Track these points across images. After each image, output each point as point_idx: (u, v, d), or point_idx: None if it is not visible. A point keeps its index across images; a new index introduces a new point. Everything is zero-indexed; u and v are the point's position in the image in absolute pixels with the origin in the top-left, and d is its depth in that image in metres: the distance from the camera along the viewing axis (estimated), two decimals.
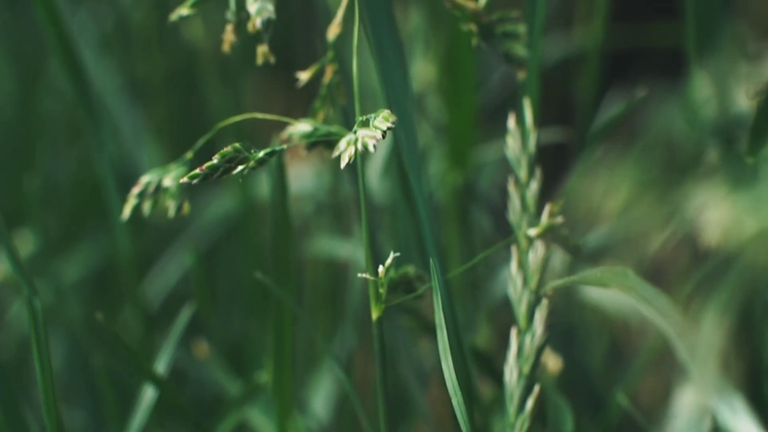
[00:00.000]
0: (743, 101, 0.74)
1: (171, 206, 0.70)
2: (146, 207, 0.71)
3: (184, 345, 0.89)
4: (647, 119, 1.05)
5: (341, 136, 0.66)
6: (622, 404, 0.79)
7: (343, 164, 0.63)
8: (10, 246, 0.71)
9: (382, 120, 0.64)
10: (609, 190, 0.64)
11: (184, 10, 0.71)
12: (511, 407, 0.69)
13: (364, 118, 0.64)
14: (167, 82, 1.14)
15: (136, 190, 0.71)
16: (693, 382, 0.57)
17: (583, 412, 0.87)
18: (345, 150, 0.63)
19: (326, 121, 0.72)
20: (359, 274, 0.67)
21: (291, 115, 1.34)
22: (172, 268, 1.06)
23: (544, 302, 0.69)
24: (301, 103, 0.72)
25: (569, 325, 0.88)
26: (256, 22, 0.68)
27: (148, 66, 1.14)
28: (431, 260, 0.67)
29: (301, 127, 0.69)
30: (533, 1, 0.78)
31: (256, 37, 0.69)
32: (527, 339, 0.70)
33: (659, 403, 0.83)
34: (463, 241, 0.94)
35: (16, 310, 1.04)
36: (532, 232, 0.70)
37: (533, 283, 0.70)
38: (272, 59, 0.70)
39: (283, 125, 0.70)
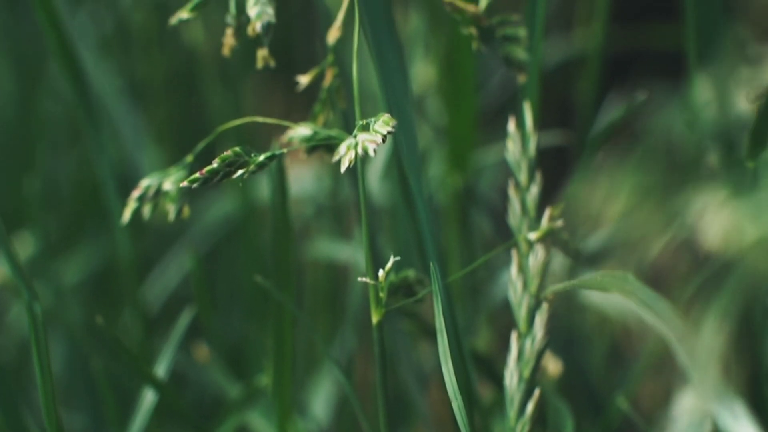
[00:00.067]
0: (743, 105, 0.74)
1: (171, 210, 0.70)
2: (146, 211, 0.71)
3: (184, 348, 0.89)
4: (648, 121, 1.05)
5: (341, 140, 0.66)
6: (623, 408, 0.79)
7: (343, 169, 0.63)
8: (10, 250, 0.71)
9: (383, 124, 0.64)
10: (609, 196, 0.64)
11: (184, 14, 0.71)
12: (512, 411, 0.69)
13: (365, 122, 0.64)
14: (167, 84, 1.14)
15: (136, 193, 0.71)
16: (693, 387, 0.57)
17: (583, 415, 0.87)
18: (345, 154, 0.63)
19: (326, 125, 0.72)
20: (360, 278, 0.67)
21: (291, 116, 1.34)
22: (172, 271, 1.06)
23: (545, 306, 0.69)
24: (300, 105, 0.72)
25: (569, 328, 0.88)
26: (256, 26, 0.68)
27: (148, 68, 1.14)
28: (431, 264, 0.67)
29: (301, 131, 0.69)
30: (533, 4, 0.78)
31: (256, 41, 0.69)
32: (527, 343, 0.70)
33: (659, 407, 0.83)
34: (463, 244, 0.94)
35: (16, 312, 1.04)
36: (533, 236, 0.70)
37: (533, 287, 0.70)
38: (272, 63, 0.70)
39: (283, 127, 0.70)
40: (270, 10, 0.68)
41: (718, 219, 0.51)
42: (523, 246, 0.70)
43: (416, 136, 0.70)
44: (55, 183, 1.13)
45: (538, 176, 0.71)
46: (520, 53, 0.72)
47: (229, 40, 0.70)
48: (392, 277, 0.69)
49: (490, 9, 0.71)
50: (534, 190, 0.71)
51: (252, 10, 0.68)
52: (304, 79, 0.71)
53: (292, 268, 0.76)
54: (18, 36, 1.15)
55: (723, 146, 0.74)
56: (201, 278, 0.92)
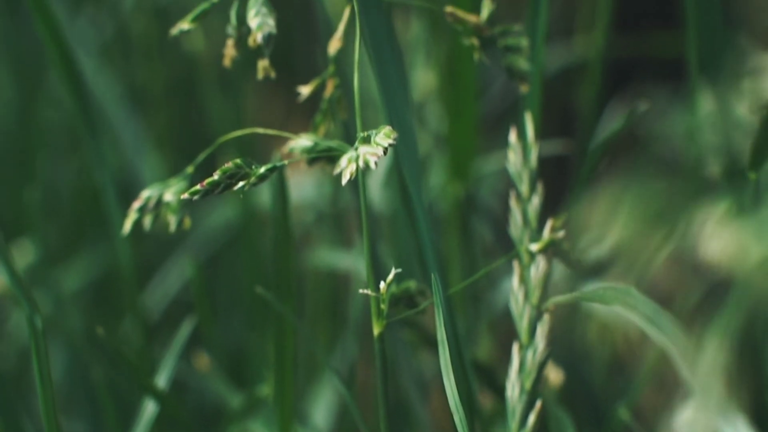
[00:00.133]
0: (746, 115, 0.74)
1: (172, 221, 0.70)
2: (147, 222, 0.71)
3: (184, 356, 0.89)
4: (649, 128, 1.05)
5: (342, 152, 0.66)
6: (624, 419, 0.79)
7: (344, 181, 0.63)
8: (10, 260, 0.71)
9: (384, 136, 0.63)
10: (610, 209, 0.63)
11: (185, 25, 0.70)
12: (513, 423, 0.69)
13: (366, 134, 0.64)
14: (167, 90, 1.14)
15: (136, 204, 0.71)
16: (695, 400, 0.57)
17: (585, 426, 0.87)
18: (346, 167, 0.63)
19: (327, 135, 0.71)
20: (361, 290, 0.67)
21: (291, 120, 1.34)
22: (173, 278, 1.06)
23: (546, 317, 0.69)
24: (301, 109, 0.72)
25: (571, 337, 0.88)
26: (257, 37, 0.68)
27: (148, 74, 1.14)
28: (432, 275, 0.67)
29: (302, 141, 0.69)
30: (535, 14, 0.77)
31: (257, 51, 0.69)
32: (529, 354, 0.69)
33: (661, 418, 0.83)
34: (463, 252, 0.94)
35: (16, 320, 1.04)
36: (534, 247, 0.70)
37: (535, 298, 0.70)
38: (273, 74, 0.70)
39: (284, 130, 0.70)
40: (271, 21, 0.68)
41: (721, 237, 0.51)
42: (525, 257, 0.70)
43: (416, 145, 0.70)
44: (55, 190, 1.13)
45: (539, 187, 0.70)
46: (522, 63, 0.71)
47: (230, 51, 0.70)
48: (393, 288, 0.69)
49: (492, 19, 0.71)
50: (535, 201, 0.70)
51: (253, 21, 0.68)
52: (305, 90, 0.71)
53: (292, 278, 0.75)
54: (18, 43, 1.14)
55: (725, 156, 0.74)
56: (201, 286, 0.92)
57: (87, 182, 1.11)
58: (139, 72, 1.14)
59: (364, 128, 0.65)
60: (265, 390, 0.83)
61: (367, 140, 0.64)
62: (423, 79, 1.00)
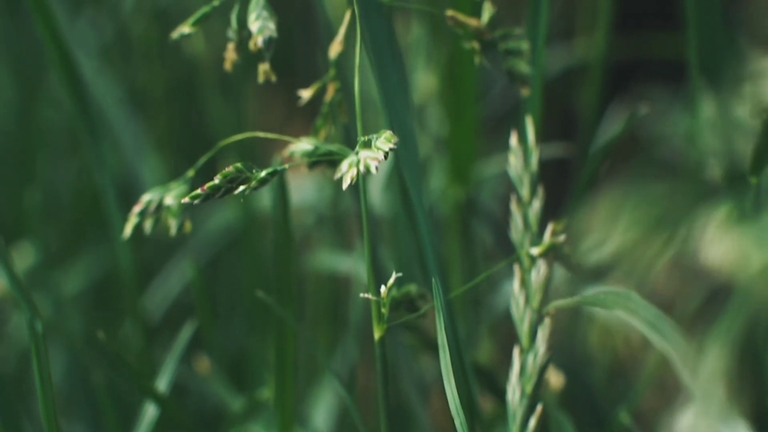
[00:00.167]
0: (746, 119, 0.74)
1: (172, 225, 0.70)
2: (147, 225, 0.71)
3: (184, 359, 0.89)
4: (650, 129, 1.04)
5: (342, 156, 0.66)
6: (625, 422, 0.79)
7: (345, 186, 0.63)
8: (10, 265, 0.71)
9: (384, 141, 0.63)
10: (610, 214, 0.63)
11: (185, 29, 0.70)
12: (514, 427, 0.69)
13: (366, 138, 0.64)
14: (168, 92, 1.14)
15: (137, 208, 0.71)
16: (696, 406, 0.57)
17: (585, 429, 0.87)
18: (347, 172, 0.63)
19: (328, 138, 0.71)
20: (362, 294, 0.67)
21: (291, 122, 1.34)
22: (173, 280, 1.06)
23: (547, 321, 0.69)
24: (301, 111, 0.72)
25: (571, 340, 0.88)
26: (258, 41, 0.68)
27: (148, 76, 1.13)
28: (433, 280, 0.67)
29: (303, 145, 0.69)
30: (535, 17, 0.77)
31: (258, 54, 0.69)
32: (530, 358, 0.69)
33: (662, 421, 0.83)
34: (464, 254, 0.94)
35: (16, 322, 1.04)
36: (535, 251, 0.70)
37: (535, 302, 0.70)
38: (273, 77, 0.70)
39: (285, 132, 0.70)
40: (271, 25, 0.68)
41: (722, 243, 0.51)
42: (526, 261, 0.70)
43: (417, 149, 0.70)
44: (55, 192, 1.13)
45: (540, 191, 0.70)
46: (523, 67, 0.71)
47: (230, 54, 0.70)
48: (394, 292, 0.69)
49: (492, 22, 0.71)
50: (536, 205, 0.70)
51: (253, 25, 0.68)
52: (305, 94, 0.71)
53: (293, 282, 0.75)
54: (18, 43, 1.14)
55: (726, 160, 0.74)
56: (202, 289, 0.92)
57: (87, 184, 1.11)
58: (139, 74, 1.14)
59: (365, 131, 0.65)
60: (266, 393, 0.83)
61: (367, 144, 0.64)
62: (423, 81, 1.00)
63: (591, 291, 0.67)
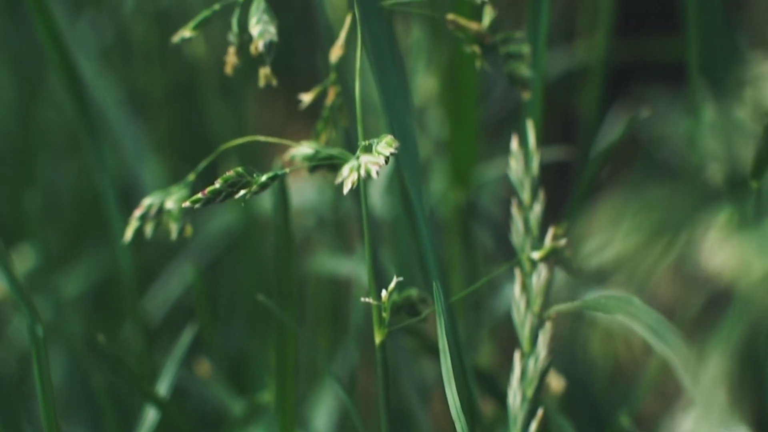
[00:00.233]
0: (747, 122, 0.74)
1: (173, 229, 0.70)
2: (148, 230, 0.71)
3: (185, 362, 0.89)
4: (650, 130, 1.04)
5: (343, 160, 0.66)
6: (626, 426, 0.79)
7: (345, 190, 0.63)
8: (10, 268, 0.71)
9: (385, 145, 0.63)
10: (611, 224, 0.63)
11: (186, 32, 0.70)
12: (515, 431, 0.69)
13: (367, 143, 0.64)
14: (168, 94, 1.14)
15: (138, 212, 0.71)
16: (697, 411, 0.57)
17: None
18: (348, 177, 0.63)
19: (328, 142, 0.71)
20: (362, 299, 0.67)
21: (292, 123, 1.34)
22: (174, 283, 1.06)
23: (548, 325, 0.69)
24: (301, 112, 0.72)
25: (572, 343, 0.88)
26: (259, 45, 0.68)
27: (148, 78, 1.13)
28: (434, 284, 0.67)
29: (303, 149, 0.69)
30: (536, 20, 0.77)
31: (259, 59, 0.69)
32: (531, 362, 0.69)
33: (662, 425, 0.83)
34: (464, 257, 0.94)
35: (17, 325, 1.04)
36: (536, 255, 0.70)
37: (536, 306, 0.70)
38: (274, 82, 0.70)
39: (285, 134, 0.70)
40: (272, 29, 0.68)
41: (724, 250, 0.51)
42: (527, 265, 0.70)
43: (418, 152, 0.70)
44: (55, 194, 1.13)
45: (541, 195, 0.70)
46: (524, 70, 0.71)
47: (231, 58, 0.70)
48: (395, 296, 0.69)
49: (493, 26, 0.70)
50: (537, 209, 0.70)
51: (254, 29, 0.68)
52: (306, 98, 0.71)
53: (294, 285, 0.75)
54: (18, 44, 1.14)
55: (726, 164, 0.74)
56: (202, 292, 0.92)
57: (87, 185, 1.11)
58: (139, 75, 1.13)
59: (366, 135, 0.65)
60: (267, 396, 0.83)
61: (368, 149, 0.64)
62: (424, 84, 1.00)
63: (592, 295, 0.67)
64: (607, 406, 0.88)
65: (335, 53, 0.70)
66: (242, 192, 0.66)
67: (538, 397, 0.69)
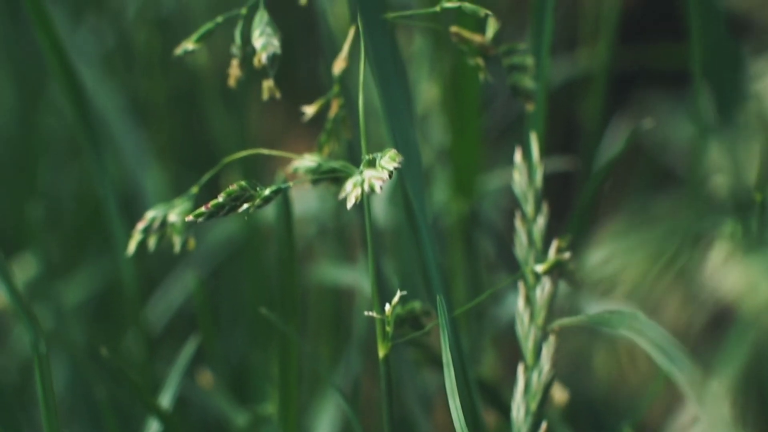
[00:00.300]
0: (751, 133, 0.74)
1: (177, 242, 0.70)
2: (151, 242, 0.71)
3: (187, 371, 0.88)
4: (653, 136, 1.04)
5: (345, 173, 0.66)
6: None
7: (349, 205, 0.63)
8: (11, 280, 0.70)
9: (389, 160, 0.63)
10: (614, 239, 0.63)
11: (189, 45, 0.70)
12: None
13: (371, 157, 0.64)
14: (169, 101, 1.14)
15: (141, 225, 0.71)
16: (702, 426, 0.57)
17: None
18: (351, 191, 0.63)
19: (331, 153, 0.71)
20: (366, 313, 0.67)
21: (293, 127, 1.34)
22: (176, 291, 1.05)
23: (551, 339, 0.69)
24: (301, 118, 0.72)
25: (575, 354, 0.88)
26: (262, 58, 0.68)
27: (150, 85, 1.13)
28: (438, 297, 0.67)
29: (306, 162, 0.69)
30: (539, 32, 0.77)
31: (262, 71, 0.69)
32: (534, 375, 0.69)
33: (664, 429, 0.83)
34: (467, 266, 0.93)
35: (18, 333, 1.04)
36: (539, 268, 0.70)
37: (540, 319, 0.69)
38: (278, 94, 0.69)
39: (286, 139, 0.70)
40: (275, 42, 0.68)
41: (730, 273, 0.51)
42: (530, 278, 0.70)
43: (420, 163, 0.70)
44: (56, 201, 1.13)
45: (544, 207, 0.70)
46: (528, 82, 0.71)
47: (234, 71, 0.70)
48: (398, 309, 0.69)
49: (497, 37, 0.70)
50: (540, 222, 0.70)
51: (257, 42, 0.68)
52: (309, 110, 0.71)
53: (296, 297, 0.75)
54: (19, 51, 1.14)
55: (730, 175, 0.73)
56: (204, 302, 0.92)
57: (88, 192, 1.11)
58: (140, 82, 1.13)
59: (368, 142, 0.65)
60: (270, 408, 0.83)
61: (372, 163, 0.64)
62: (426, 92, 1.00)
63: (596, 309, 0.67)
64: (610, 418, 0.88)
65: (338, 65, 0.70)
66: (245, 206, 0.65)
67: (541, 411, 0.69)
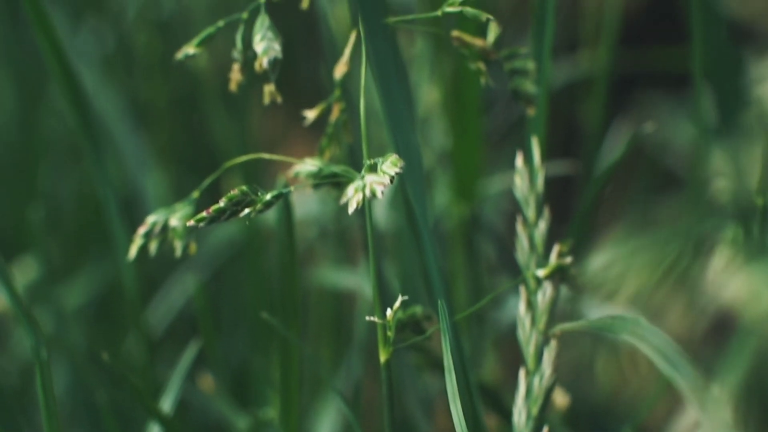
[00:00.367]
0: (752, 137, 0.74)
1: (178, 246, 0.70)
2: (152, 247, 0.71)
3: (188, 375, 0.88)
4: (654, 137, 1.04)
5: (346, 178, 0.65)
6: None
7: (351, 210, 0.63)
8: (12, 284, 0.70)
9: (390, 165, 0.63)
10: (616, 248, 0.63)
11: (190, 49, 0.70)
12: None
13: (372, 162, 0.64)
14: (170, 104, 1.14)
15: (142, 230, 0.71)
16: (704, 429, 0.57)
17: None
18: (353, 197, 0.63)
19: (332, 157, 0.71)
20: (367, 318, 0.67)
21: (293, 128, 1.34)
22: (176, 294, 1.05)
23: (553, 343, 0.69)
24: (302, 119, 0.72)
25: (576, 358, 0.88)
26: (263, 62, 0.68)
27: (151, 88, 1.13)
28: (439, 302, 0.66)
29: (307, 166, 0.69)
30: (541, 36, 0.77)
31: (264, 76, 0.69)
32: (536, 380, 0.69)
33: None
34: (468, 269, 0.93)
35: (18, 337, 1.04)
36: (541, 272, 0.70)
37: (542, 324, 0.69)
38: (279, 98, 0.69)
39: (287, 141, 0.70)
40: (277, 46, 0.68)
41: (732, 281, 0.51)
42: (532, 283, 0.70)
43: (422, 168, 0.70)
44: (57, 204, 1.13)
45: (546, 212, 0.70)
46: (529, 87, 0.71)
47: (235, 75, 0.70)
48: (400, 314, 0.69)
49: (498, 41, 0.70)
50: (542, 226, 0.70)
51: (259, 46, 0.68)
52: (310, 114, 0.71)
53: (297, 301, 0.75)
54: (19, 53, 1.14)
55: (731, 179, 0.73)
56: (205, 305, 0.92)
57: (89, 195, 1.10)
58: (141, 85, 1.13)
59: (369, 145, 0.65)
60: (271, 412, 0.82)
61: (373, 168, 0.63)
62: (427, 94, 0.99)
63: (598, 315, 0.67)
64: (612, 423, 0.88)
65: (340, 70, 0.70)
66: (246, 211, 0.65)
67: (543, 415, 0.69)
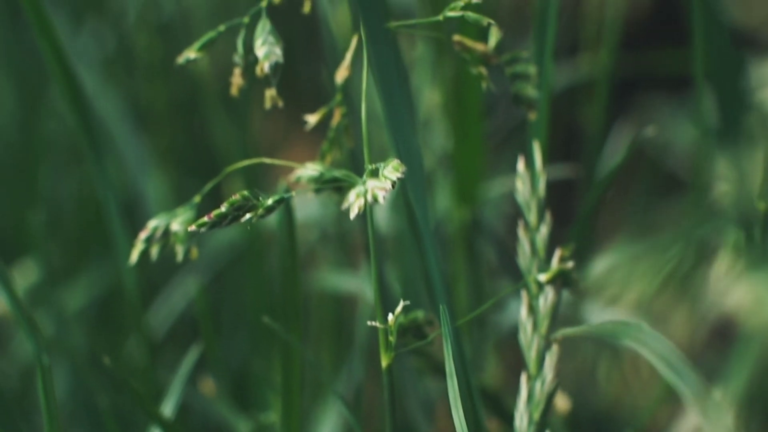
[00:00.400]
0: (754, 141, 0.74)
1: (179, 251, 0.70)
2: (154, 252, 0.71)
3: (189, 378, 0.88)
4: (656, 139, 1.04)
5: (348, 182, 0.65)
6: None
7: (352, 216, 0.63)
8: (11, 288, 0.70)
9: (392, 170, 0.63)
10: (617, 253, 0.63)
11: (191, 53, 0.70)
12: None
13: (374, 167, 0.64)
14: (171, 106, 1.14)
15: (143, 234, 0.71)
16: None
17: None
18: (355, 202, 0.63)
19: (333, 161, 0.71)
20: (369, 322, 0.67)
21: (294, 130, 1.34)
22: (177, 297, 1.05)
23: (555, 348, 0.69)
24: (303, 122, 0.72)
25: (578, 362, 0.88)
26: (265, 67, 0.68)
27: (151, 90, 1.13)
28: (441, 307, 0.66)
29: (309, 171, 0.69)
30: (542, 39, 0.77)
31: (265, 80, 0.69)
32: (537, 385, 0.69)
33: None
34: (469, 272, 0.93)
35: (19, 340, 1.04)
36: (542, 277, 0.69)
37: (543, 328, 0.69)
38: (280, 103, 0.69)
39: (287, 144, 0.70)
40: (278, 51, 0.68)
41: (736, 289, 0.51)
42: (533, 287, 0.70)
43: (423, 171, 0.70)
44: (57, 207, 1.13)
45: (547, 216, 0.70)
46: (530, 91, 0.71)
47: (237, 79, 0.70)
48: (401, 319, 0.69)
49: (499, 45, 0.70)
50: (543, 231, 0.70)
51: (260, 50, 0.68)
52: (312, 119, 0.71)
53: (299, 305, 0.75)
54: (19, 55, 1.14)
55: (733, 183, 0.73)
56: (206, 308, 0.92)
57: (90, 198, 1.10)
58: (142, 88, 1.13)
59: (370, 148, 0.65)
60: (272, 416, 0.82)
61: (375, 173, 0.63)
62: (428, 98, 0.99)
63: (600, 319, 0.67)
64: (613, 428, 0.88)
65: (341, 74, 0.70)
66: (248, 215, 0.65)
67: (544, 420, 0.69)
